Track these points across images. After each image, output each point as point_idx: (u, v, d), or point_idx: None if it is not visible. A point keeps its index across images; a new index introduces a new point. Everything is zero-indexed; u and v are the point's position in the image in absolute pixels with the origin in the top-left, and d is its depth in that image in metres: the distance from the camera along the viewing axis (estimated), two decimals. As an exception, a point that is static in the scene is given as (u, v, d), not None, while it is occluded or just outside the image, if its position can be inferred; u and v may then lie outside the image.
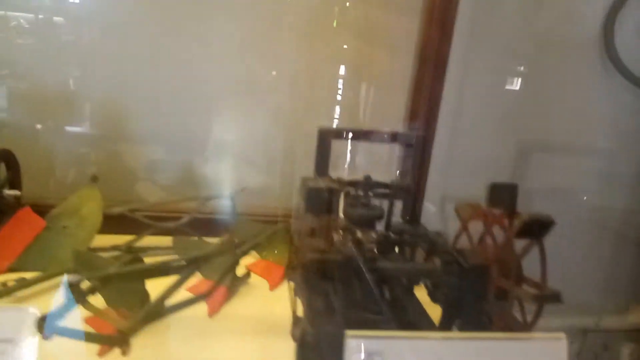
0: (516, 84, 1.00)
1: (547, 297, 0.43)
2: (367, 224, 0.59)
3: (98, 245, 0.71)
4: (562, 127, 1.02)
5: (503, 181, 0.52)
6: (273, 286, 0.71)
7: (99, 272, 0.52)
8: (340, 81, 0.93)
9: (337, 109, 0.93)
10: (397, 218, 0.63)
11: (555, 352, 0.39)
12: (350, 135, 0.65)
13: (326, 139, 0.63)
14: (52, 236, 0.67)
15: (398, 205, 0.63)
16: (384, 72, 0.93)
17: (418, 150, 0.66)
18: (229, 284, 0.65)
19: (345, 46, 0.91)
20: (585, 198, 1.07)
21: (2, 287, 0.58)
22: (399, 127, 0.88)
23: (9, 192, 0.71)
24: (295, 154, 0.92)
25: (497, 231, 0.52)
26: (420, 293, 0.54)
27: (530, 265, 0.49)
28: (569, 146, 1.03)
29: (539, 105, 1.00)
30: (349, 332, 0.37)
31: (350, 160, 0.83)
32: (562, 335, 0.40)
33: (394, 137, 0.66)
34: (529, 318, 0.48)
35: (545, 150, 1.02)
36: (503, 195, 0.51)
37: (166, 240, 0.77)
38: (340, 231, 0.57)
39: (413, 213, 0.64)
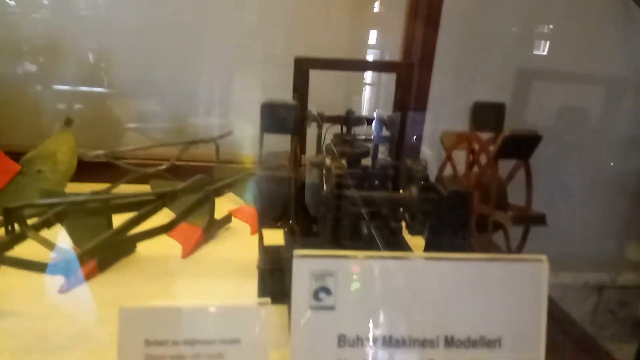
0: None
1: (531, 219, 0.38)
2: (351, 162, 0.55)
3: (74, 192, 0.69)
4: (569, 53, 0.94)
5: (488, 100, 0.46)
6: (255, 231, 0.67)
7: (59, 206, 0.49)
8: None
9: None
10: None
11: (535, 275, 0.35)
12: (331, 64, 0.60)
13: (303, 68, 0.58)
14: (26, 180, 0.65)
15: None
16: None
17: (408, 80, 0.60)
18: (206, 226, 0.62)
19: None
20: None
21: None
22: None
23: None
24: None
25: (484, 160, 0.47)
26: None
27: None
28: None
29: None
30: (297, 252, 0.34)
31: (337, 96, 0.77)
32: (543, 257, 0.35)
33: (378, 66, 0.60)
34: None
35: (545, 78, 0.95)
36: (488, 116, 0.46)
37: (145, 189, 0.74)
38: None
39: (399, 148, 0.60)
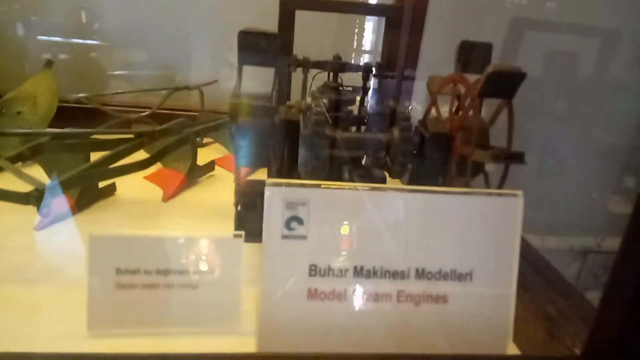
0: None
1: (509, 156, 0.38)
2: (336, 109, 0.54)
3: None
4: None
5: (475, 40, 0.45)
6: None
7: (35, 138, 0.48)
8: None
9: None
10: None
11: (511, 209, 0.35)
12: (318, 5, 0.58)
13: (289, 8, 0.56)
14: (5, 121, 0.64)
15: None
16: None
17: (397, 24, 0.58)
18: (187, 171, 0.61)
19: None
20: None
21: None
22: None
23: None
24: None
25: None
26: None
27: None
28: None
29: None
30: (269, 181, 0.33)
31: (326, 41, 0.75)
32: (519, 192, 0.35)
33: (366, 9, 0.59)
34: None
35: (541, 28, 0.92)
36: (475, 56, 0.45)
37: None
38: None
39: (384, 92, 0.58)
